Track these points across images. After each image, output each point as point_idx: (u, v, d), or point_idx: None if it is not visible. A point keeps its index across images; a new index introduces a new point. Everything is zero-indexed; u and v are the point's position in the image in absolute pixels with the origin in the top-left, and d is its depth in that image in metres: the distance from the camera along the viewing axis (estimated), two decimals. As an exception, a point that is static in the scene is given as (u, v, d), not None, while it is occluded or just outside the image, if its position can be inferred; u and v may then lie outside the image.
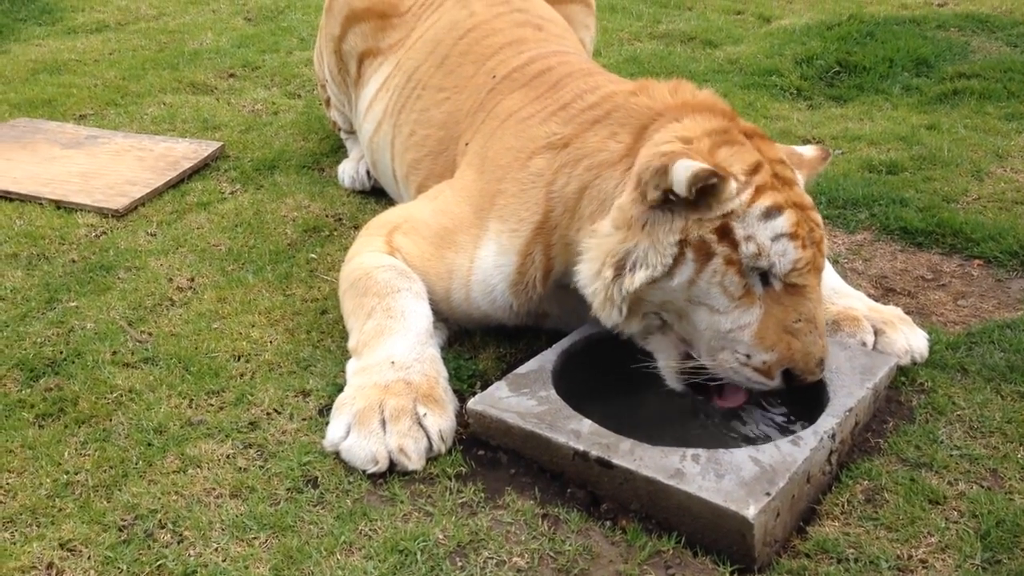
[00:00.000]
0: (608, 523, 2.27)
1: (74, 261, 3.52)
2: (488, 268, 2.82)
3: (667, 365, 2.54)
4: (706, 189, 2.34)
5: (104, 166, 4.26)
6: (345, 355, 2.81)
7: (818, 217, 2.51)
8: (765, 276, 2.39)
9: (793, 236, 2.38)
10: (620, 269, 2.45)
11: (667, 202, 2.39)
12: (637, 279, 2.43)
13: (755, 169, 2.44)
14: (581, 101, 2.85)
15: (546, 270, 2.75)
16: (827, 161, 2.87)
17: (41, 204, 3.94)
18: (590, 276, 2.53)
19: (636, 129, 2.62)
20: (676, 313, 2.47)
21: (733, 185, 2.38)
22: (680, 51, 5.85)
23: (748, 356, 2.39)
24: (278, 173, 4.28)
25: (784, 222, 2.39)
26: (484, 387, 2.67)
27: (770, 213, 2.39)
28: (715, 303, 2.40)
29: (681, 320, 2.47)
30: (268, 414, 2.66)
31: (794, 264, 2.38)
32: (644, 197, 2.42)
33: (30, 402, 2.72)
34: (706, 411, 2.60)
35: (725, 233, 2.38)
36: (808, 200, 2.52)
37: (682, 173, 2.31)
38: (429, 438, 2.46)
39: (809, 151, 2.85)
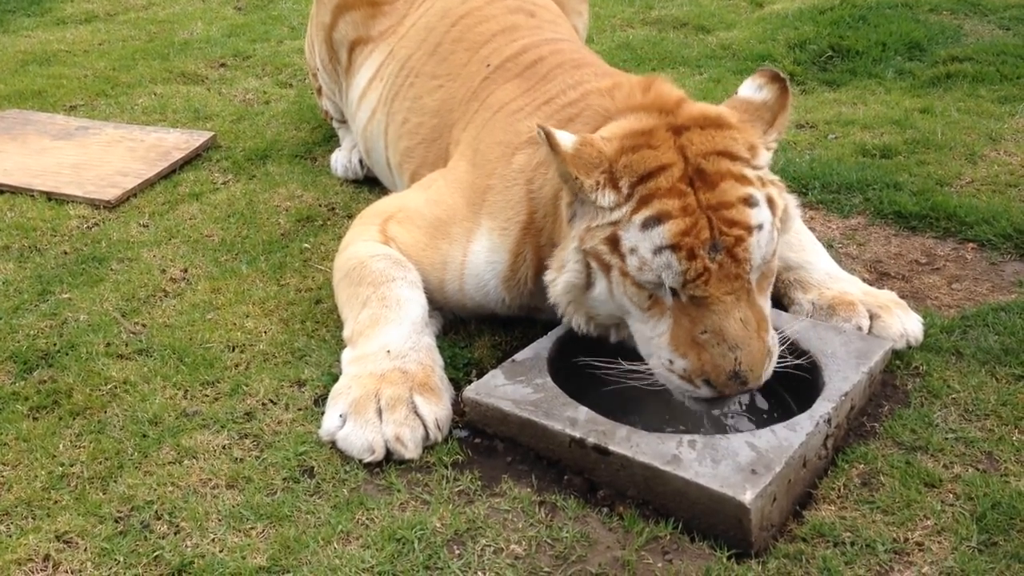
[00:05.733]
0: (605, 509, 2.27)
1: (66, 253, 3.50)
2: (480, 263, 2.82)
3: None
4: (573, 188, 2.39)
5: (95, 157, 4.23)
6: (340, 344, 2.80)
7: (743, 215, 2.31)
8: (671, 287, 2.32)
9: (676, 247, 2.26)
10: (558, 276, 2.52)
11: (579, 200, 2.44)
12: (559, 283, 2.50)
13: (649, 176, 2.34)
14: (563, 97, 2.84)
15: (537, 269, 2.74)
16: (787, 96, 2.53)
17: (32, 196, 3.92)
18: (547, 284, 2.58)
19: (592, 132, 2.54)
20: (623, 324, 2.49)
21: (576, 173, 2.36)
22: (673, 37, 5.84)
23: (671, 362, 2.35)
24: (270, 163, 4.26)
25: (665, 232, 2.28)
26: (480, 375, 2.67)
27: (649, 223, 2.30)
28: (633, 312, 2.41)
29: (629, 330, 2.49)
30: (263, 404, 2.65)
31: (684, 276, 2.27)
32: (567, 190, 2.46)
33: (24, 394, 2.71)
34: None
35: (615, 245, 2.36)
36: (735, 195, 2.32)
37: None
38: (425, 427, 2.46)
39: (759, 93, 2.55)
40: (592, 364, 2.46)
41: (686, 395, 2.37)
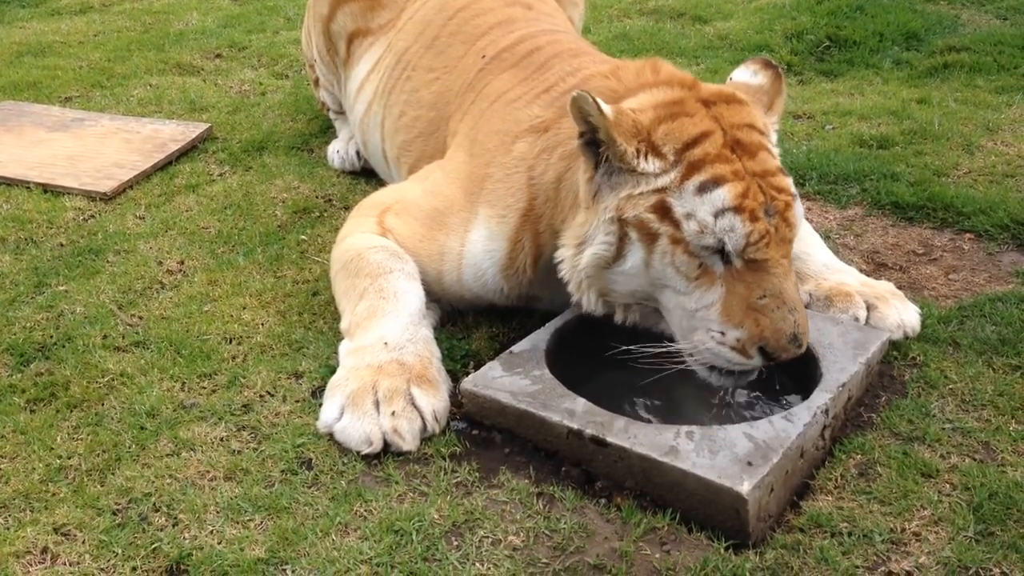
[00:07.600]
0: (603, 501, 2.27)
1: (62, 245, 3.49)
2: (478, 253, 2.81)
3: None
4: (614, 156, 2.37)
5: (91, 149, 4.22)
6: (337, 336, 2.80)
7: (785, 182, 2.40)
8: (725, 253, 2.33)
9: (738, 209, 2.29)
10: (580, 251, 2.49)
11: (606, 172, 2.41)
12: (585, 257, 2.46)
13: (694, 142, 2.37)
14: (563, 84, 2.83)
15: (535, 256, 2.74)
16: (782, 81, 2.68)
17: (28, 188, 3.91)
18: (563, 260, 2.56)
19: None
20: (651, 301, 2.47)
21: (621, 142, 2.34)
22: (670, 27, 5.83)
23: (723, 333, 2.34)
24: (267, 154, 4.25)
25: (725, 195, 2.30)
26: (477, 367, 2.67)
27: (706, 187, 2.32)
28: (675, 285, 2.38)
29: (659, 307, 2.47)
30: (261, 396, 2.65)
31: (747, 239, 2.29)
32: (589, 163, 2.43)
33: (21, 387, 2.70)
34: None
35: (665, 212, 2.35)
36: (773, 165, 2.41)
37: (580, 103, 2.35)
38: (423, 418, 2.46)
39: (755, 79, 2.69)
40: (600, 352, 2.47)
41: (732, 367, 2.35)
